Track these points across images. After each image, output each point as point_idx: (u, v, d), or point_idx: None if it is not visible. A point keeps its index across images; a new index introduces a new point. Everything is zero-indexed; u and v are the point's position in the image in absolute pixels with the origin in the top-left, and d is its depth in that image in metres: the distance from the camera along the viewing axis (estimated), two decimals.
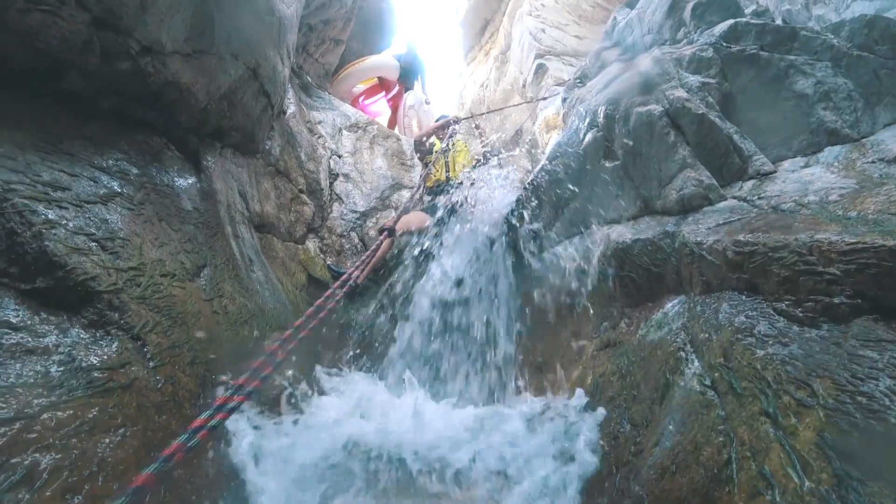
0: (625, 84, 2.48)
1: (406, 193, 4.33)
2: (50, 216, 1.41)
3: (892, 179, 1.57)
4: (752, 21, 2.40)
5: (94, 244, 1.51)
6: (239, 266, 2.49)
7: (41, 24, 1.71)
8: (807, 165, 2.11)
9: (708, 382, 1.38)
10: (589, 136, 2.75)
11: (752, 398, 1.22)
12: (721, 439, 1.20)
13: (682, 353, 1.55)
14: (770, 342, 1.27)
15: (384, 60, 6.29)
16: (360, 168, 4.33)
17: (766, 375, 1.22)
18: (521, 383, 2.75)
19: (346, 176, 4.21)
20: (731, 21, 2.48)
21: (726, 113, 2.37)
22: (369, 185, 4.27)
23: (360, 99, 6.26)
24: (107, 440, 1.16)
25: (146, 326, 1.52)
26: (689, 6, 2.81)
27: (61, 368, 1.16)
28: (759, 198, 1.86)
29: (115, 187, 1.83)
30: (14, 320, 1.18)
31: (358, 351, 3.43)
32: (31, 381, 1.10)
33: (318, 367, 2.62)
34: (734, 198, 1.99)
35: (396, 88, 6.48)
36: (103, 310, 1.41)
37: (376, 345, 3.22)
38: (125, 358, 1.36)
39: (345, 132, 4.50)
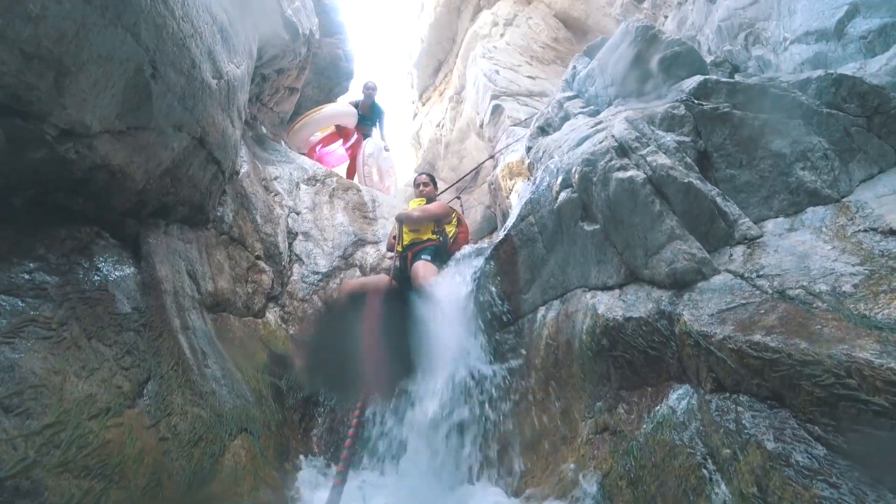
0: (599, 145, 2.35)
1: (370, 249, 4.07)
2: None
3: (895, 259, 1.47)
4: (723, 79, 2.35)
5: None
6: (190, 367, 2.16)
7: None
8: (792, 229, 2.03)
9: None
10: (563, 196, 2.60)
11: None
12: None
13: (705, 471, 1.37)
14: (814, 479, 1.10)
15: (342, 109, 6.06)
16: (321, 225, 4.04)
17: None
18: (511, 466, 2.51)
19: (306, 234, 3.92)
20: (701, 78, 2.42)
21: (703, 171, 2.28)
22: (331, 242, 3.98)
23: (318, 147, 5.98)
24: None
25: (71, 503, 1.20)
26: (656, 59, 2.75)
27: None
28: (758, 275, 1.73)
29: (27, 312, 1.50)
30: None
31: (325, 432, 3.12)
32: None
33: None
34: (728, 272, 1.86)
35: (355, 136, 6.24)
36: (8, 501, 1.08)
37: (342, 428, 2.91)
38: None
39: (303, 186, 4.21)
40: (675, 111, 2.41)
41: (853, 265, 1.53)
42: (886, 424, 1.03)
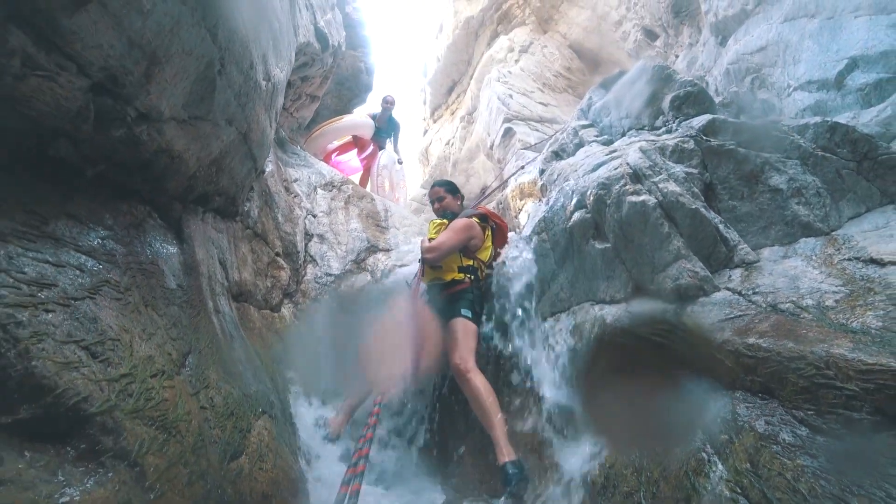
0: (615, 171, 2.64)
1: (381, 256, 4.30)
2: (37, 326, 1.27)
3: (875, 284, 1.74)
4: (729, 119, 2.66)
5: (83, 353, 1.37)
6: (222, 347, 2.35)
7: (35, 90, 1.58)
8: (786, 256, 2.30)
9: (738, 490, 1.42)
10: (577, 216, 2.87)
11: None
12: None
13: (704, 454, 1.59)
14: (797, 452, 1.34)
15: (360, 120, 6.41)
16: (336, 229, 4.28)
17: (801, 488, 1.27)
18: None
19: (321, 237, 4.15)
20: (710, 116, 2.73)
21: (708, 201, 2.57)
22: (344, 246, 4.21)
23: (333, 154, 6.30)
24: None
25: (142, 447, 1.38)
26: (668, 98, 3.08)
27: None
28: (754, 292, 1.99)
29: (103, 274, 1.71)
30: None
31: None
32: None
33: None
34: (727, 289, 2.12)
35: (371, 148, 6.59)
36: (96, 435, 1.26)
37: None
38: (123, 496, 1.21)
39: (320, 191, 4.47)
40: (685, 145, 2.72)
41: (836, 286, 1.80)
42: (856, 406, 1.28)
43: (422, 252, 3.11)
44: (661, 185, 2.41)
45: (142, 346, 1.70)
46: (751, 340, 1.62)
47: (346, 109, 6.62)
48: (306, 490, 2.31)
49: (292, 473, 2.34)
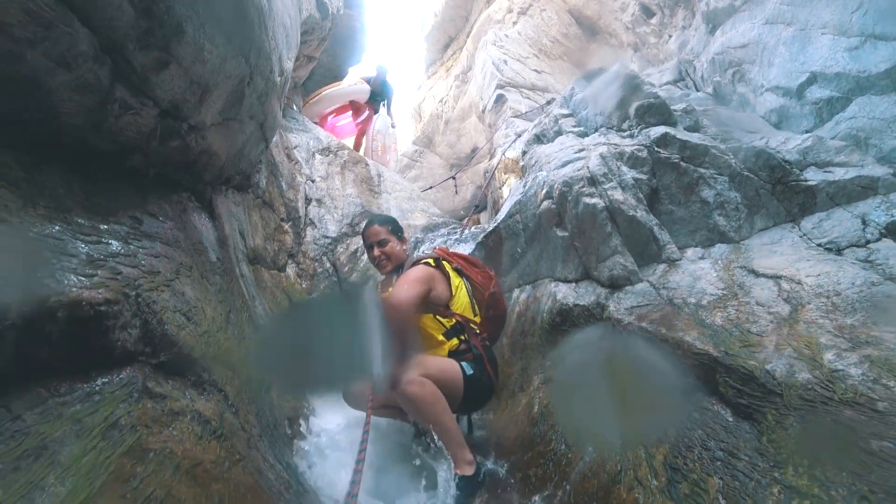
0: (577, 172, 3.38)
1: None
2: (162, 303, 2.03)
3: (742, 291, 2.56)
4: (678, 136, 3.37)
5: (183, 318, 2.13)
6: (249, 306, 3.14)
7: (127, 123, 2.25)
8: (702, 258, 3.11)
9: None
10: (545, 205, 3.64)
11: None
12: (617, 457, 2.13)
13: None
14: None
15: (357, 87, 6.91)
16: (332, 194, 4.98)
17: None
18: None
19: (319, 201, 4.85)
20: (664, 130, 3.44)
21: (653, 203, 3.34)
22: (340, 211, 4.93)
23: (330, 117, 6.83)
24: (238, 469, 1.87)
25: (223, 380, 2.19)
26: (635, 105, 3.77)
27: (194, 422, 1.84)
28: (664, 287, 2.81)
29: (178, 258, 2.45)
30: (160, 390, 1.83)
31: None
32: (187, 433, 1.79)
33: None
34: (647, 282, 2.94)
35: (366, 112, 7.12)
36: (199, 372, 2.05)
37: None
38: (221, 409, 2.03)
39: (317, 156, 5.10)
40: (640, 153, 3.45)
41: (719, 289, 2.62)
42: (693, 374, 2.14)
43: (385, 312, 2.44)
44: (609, 192, 3.17)
45: (208, 310, 2.48)
46: (643, 325, 2.46)
47: (339, 68, 7.08)
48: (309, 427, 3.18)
49: (301, 410, 3.22)
